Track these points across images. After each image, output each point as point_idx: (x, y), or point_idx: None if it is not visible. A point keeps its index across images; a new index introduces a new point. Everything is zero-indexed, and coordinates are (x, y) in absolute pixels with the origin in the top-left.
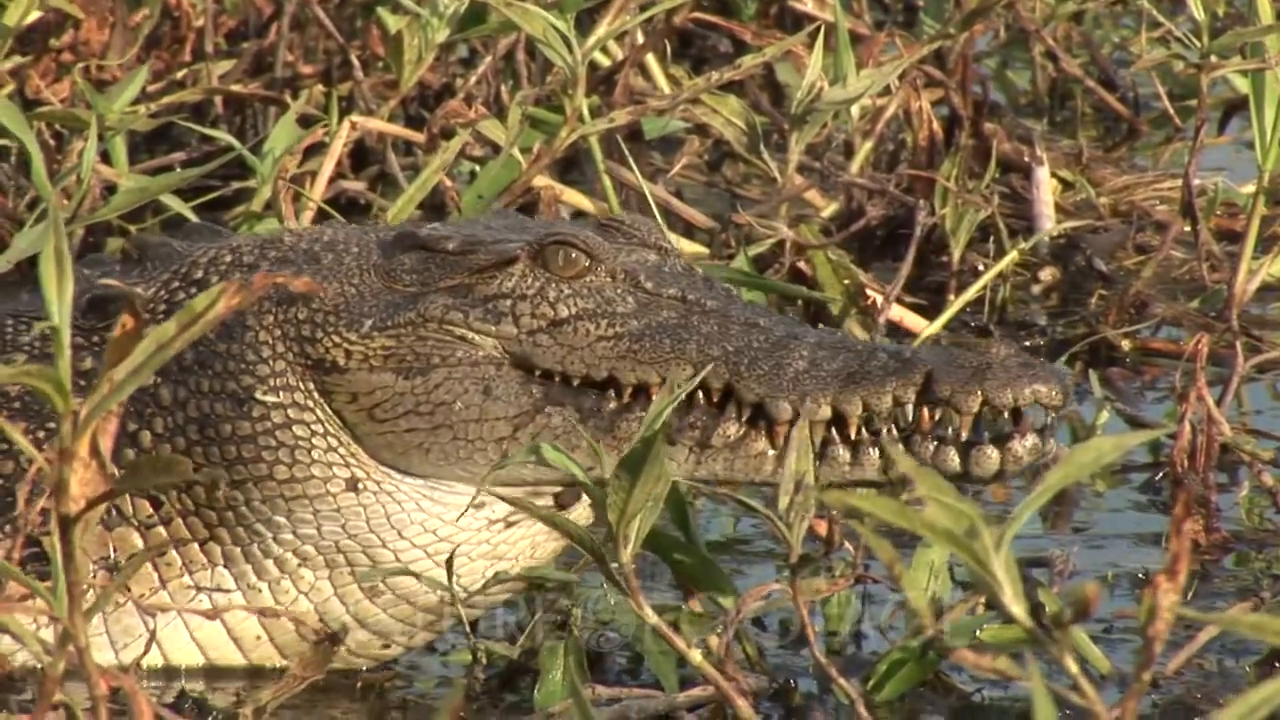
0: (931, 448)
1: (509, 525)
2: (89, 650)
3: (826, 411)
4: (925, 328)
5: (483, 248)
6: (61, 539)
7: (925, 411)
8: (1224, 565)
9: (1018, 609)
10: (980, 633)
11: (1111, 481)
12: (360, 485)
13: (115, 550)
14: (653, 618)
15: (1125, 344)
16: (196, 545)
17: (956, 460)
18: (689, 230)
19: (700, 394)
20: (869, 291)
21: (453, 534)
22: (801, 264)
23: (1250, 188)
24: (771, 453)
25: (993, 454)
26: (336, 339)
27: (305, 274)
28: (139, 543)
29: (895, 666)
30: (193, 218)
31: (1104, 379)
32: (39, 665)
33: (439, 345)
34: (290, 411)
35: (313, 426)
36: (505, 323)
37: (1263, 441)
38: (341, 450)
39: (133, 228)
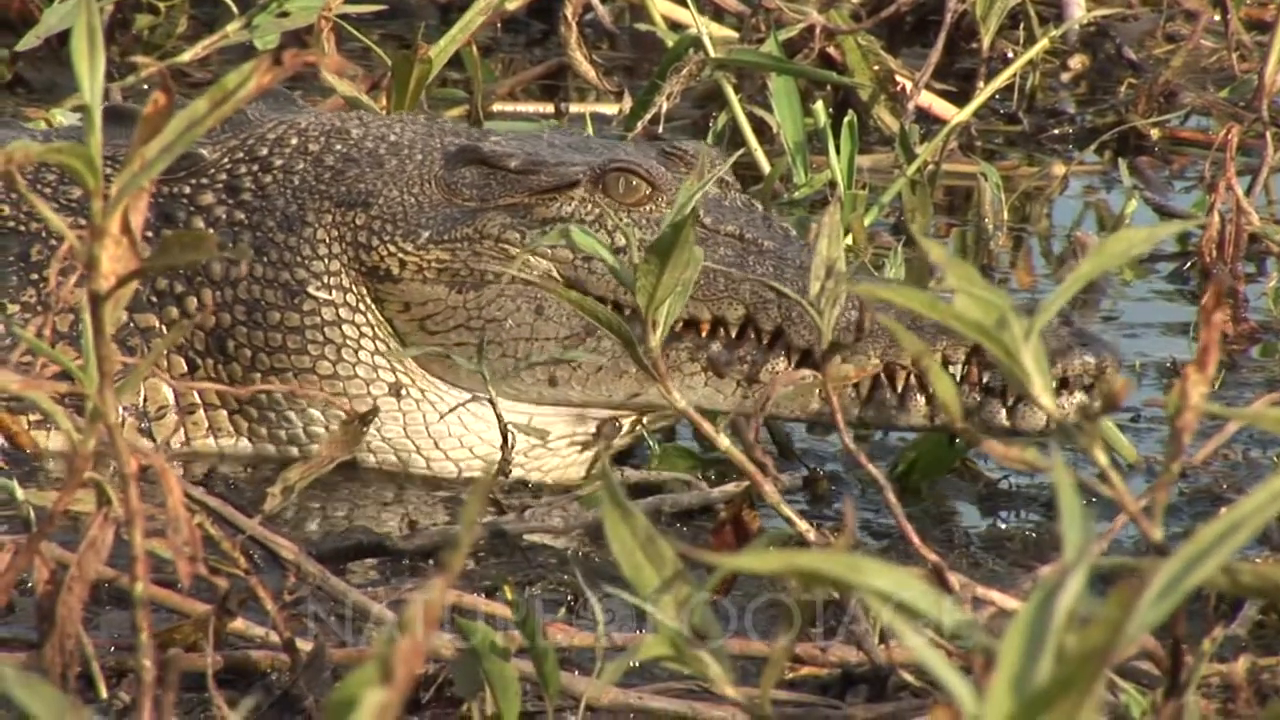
0: (978, 398)
1: (545, 448)
2: (119, 428)
3: (876, 364)
4: (954, 115)
5: (545, 169)
6: (93, 315)
7: (974, 368)
8: (1251, 355)
9: (1046, 399)
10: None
11: (1139, 271)
12: (404, 392)
13: (145, 399)
14: (681, 402)
15: (1154, 133)
16: (225, 413)
17: (1003, 415)
18: (718, 14)
19: (752, 333)
20: (898, 78)
21: (488, 452)
22: (831, 50)
23: None
24: (817, 389)
25: (1038, 411)
26: (392, 248)
27: (368, 177)
28: (169, 396)
29: (923, 453)
30: None
31: (1132, 168)
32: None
33: (494, 261)
34: (341, 311)
35: (362, 329)
36: (561, 246)
37: None
38: (388, 356)
39: (162, 4)
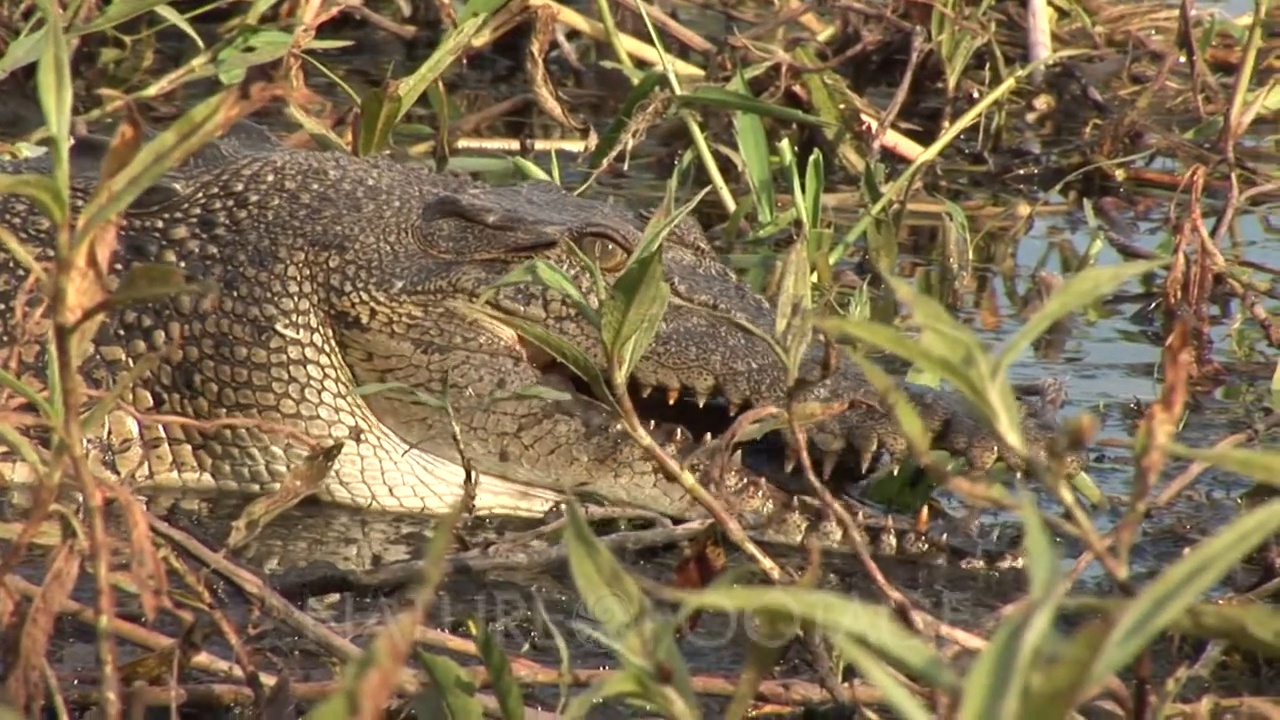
0: (923, 547)
1: (495, 509)
2: (85, 460)
3: (840, 444)
4: (920, 154)
5: (522, 226)
6: (59, 348)
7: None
8: (1215, 397)
9: (1013, 437)
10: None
11: (1103, 311)
12: (363, 437)
13: (110, 433)
14: (646, 439)
15: (1119, 174)
16: (189, 448)
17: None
18: (684, 52)
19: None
20: (864, 117)
21: (437, 506)
22: (797, 88)
23: (1246, 19)
24: (770, 506)
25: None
26: (365, 296)
27: (344, 220)
28: (134, 430)
29: (889, 493)
30: (189, 30)
31: (1097, 209)
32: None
33: (464, 327)
34: (307, 351)
35: (326, 370)
36: (535, 305)
37: (1255, 274)
38: (350, 399)
39: (128, 39)
